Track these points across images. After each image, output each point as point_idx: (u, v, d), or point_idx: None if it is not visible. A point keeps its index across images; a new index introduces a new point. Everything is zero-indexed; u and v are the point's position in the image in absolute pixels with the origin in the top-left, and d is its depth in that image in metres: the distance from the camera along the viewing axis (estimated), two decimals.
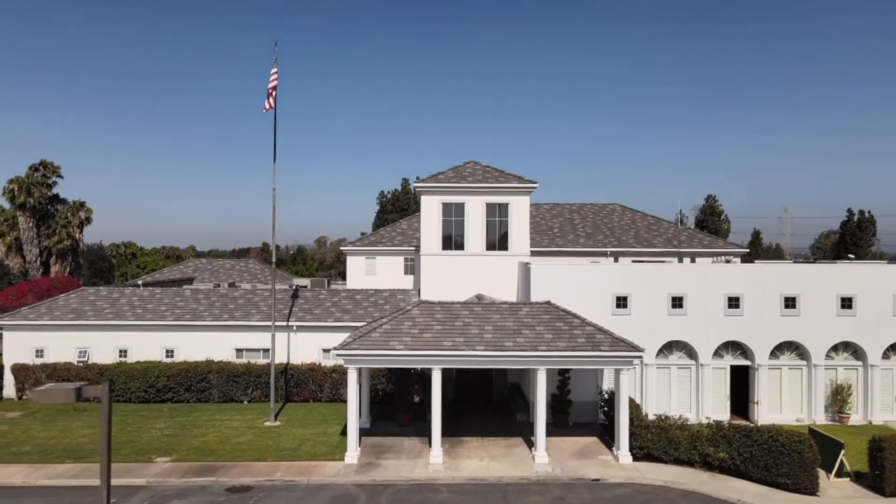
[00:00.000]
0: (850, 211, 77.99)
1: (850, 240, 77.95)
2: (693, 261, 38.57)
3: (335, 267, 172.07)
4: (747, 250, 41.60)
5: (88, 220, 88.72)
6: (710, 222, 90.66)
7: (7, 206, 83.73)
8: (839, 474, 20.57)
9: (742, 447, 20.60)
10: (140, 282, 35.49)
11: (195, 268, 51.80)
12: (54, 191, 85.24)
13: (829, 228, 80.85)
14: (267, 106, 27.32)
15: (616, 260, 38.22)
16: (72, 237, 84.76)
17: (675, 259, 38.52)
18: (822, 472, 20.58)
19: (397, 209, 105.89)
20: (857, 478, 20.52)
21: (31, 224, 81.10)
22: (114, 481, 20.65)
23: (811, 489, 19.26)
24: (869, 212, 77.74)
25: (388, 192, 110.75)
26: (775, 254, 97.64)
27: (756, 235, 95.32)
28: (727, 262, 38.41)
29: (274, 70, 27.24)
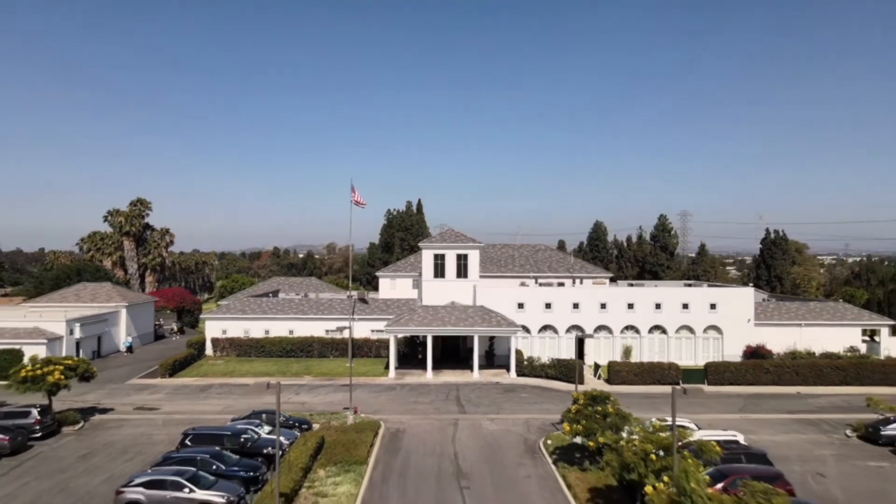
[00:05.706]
0: (767, 230, 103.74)
1: (767, 253, 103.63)
2: (581, 281, 66.53)
3: (343, 271, 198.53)
4: (611, 275, 69.54)
5: (172, 242, 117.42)
6: (662, 237, 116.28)
7: (108, 229, 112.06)
8: (600, 378, 48.62)
9: (559, 368, 48.66)
10: (271, 293, 63.41)
11: (277, 283, 79.88)
12: (146, 220, 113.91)
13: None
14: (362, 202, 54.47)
15: (536, 281, 66.13)
16: (161, 256, 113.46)
17: (571, 280, 66.46)
18: (594, 378, 48.73)
19: (403, 228, 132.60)
20: (607, 379, 48.47)
21: (132, 246, 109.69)
22: (289, 381, 49.14)
23: (581, 381, 47.21)
24: (783, 231, 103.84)
25: (395, 210, 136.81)
26: (710, 263, 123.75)
27: (702, 247, 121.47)
28: (601, 281, 66.41)
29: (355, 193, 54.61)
